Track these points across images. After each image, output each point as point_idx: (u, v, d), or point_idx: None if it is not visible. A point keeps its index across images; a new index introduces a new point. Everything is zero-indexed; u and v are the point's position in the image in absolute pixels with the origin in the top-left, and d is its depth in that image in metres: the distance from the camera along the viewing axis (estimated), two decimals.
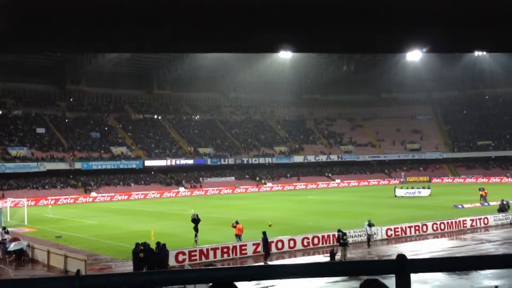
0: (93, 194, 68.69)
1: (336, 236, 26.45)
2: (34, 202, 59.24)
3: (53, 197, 63.92)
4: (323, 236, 28.42)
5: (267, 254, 25.01)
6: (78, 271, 2.07)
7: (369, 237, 29.00)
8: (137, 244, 23.10)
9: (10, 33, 2.85)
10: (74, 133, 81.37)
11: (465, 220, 33.67)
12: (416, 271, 2.11)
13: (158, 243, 23.60)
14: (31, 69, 77.94)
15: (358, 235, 29.42)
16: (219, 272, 2.15)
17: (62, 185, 71.18)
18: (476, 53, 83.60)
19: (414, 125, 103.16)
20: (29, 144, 74.58)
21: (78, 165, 73.61)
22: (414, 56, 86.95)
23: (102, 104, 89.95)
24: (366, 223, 29.33)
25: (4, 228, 31.52)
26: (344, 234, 25.87)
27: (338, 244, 26.01)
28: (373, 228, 29.48)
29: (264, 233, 25.21)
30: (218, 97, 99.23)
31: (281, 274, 2.16)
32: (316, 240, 28.12)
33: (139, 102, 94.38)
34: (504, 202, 39.59)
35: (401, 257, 2.07)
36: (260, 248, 25.83)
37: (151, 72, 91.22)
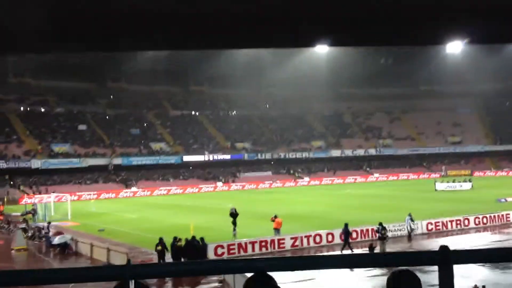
0: (134, 189, 69.97)
1: (375, 229, 26.27)
2: (77, 197, 60.78)
3: (95, 192, 65.43)
4: (361, 230, 28.20)
5: (346, 244, 25.39)
6: (129, 260, 2.16)
7: (411, 231, 28.64)
8: (174, 238, 23.71)
9: (55, 34, 2.93)
10: (114, 129, 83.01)
11: (509, 214, 32.81)
12: (459, 263, 2.10)
13: (193, 238, 24.07)
14: (72, 67, 79.82)
15: (398, 229, 29.05)
16: (260, 262, 2.19)
17: (103, 180, 72.75)
18: None
19: (455, 118, 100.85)
20: (71, 141, 76.48)
21: (118, 161, 75.12)
22: (454, 47, 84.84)
23: (142, 101, 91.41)
24: (408, 217, 28.95)
25: (49, 223, 32.56)
26: (384, 228, 25.65)
27: (377, 238, 25.83)
28: (414, 222, 29.10)
29: (346, 224, 25.81)
30: (254, 93, 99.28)
31: (321, 265, 2.18)
32: (354, 234, 27.90)
33: (177, 99, 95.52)
34: None
35: (444, 248, 2.07)
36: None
37: (188, 69, 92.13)
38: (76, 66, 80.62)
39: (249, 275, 2.54)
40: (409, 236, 28.53)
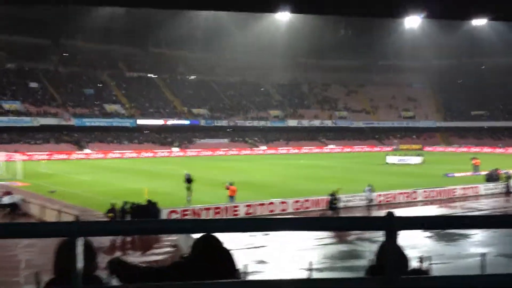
0: (87, 150, 68.73)
1: (328, 200, 26.80)
2: (27, 157, 59.23)
3: (46, 152, 63.92)
4: (314, 200, 28.67)
5: (334, 210, 26.06)
6: (78, 217, 2.12)
7: (369, 201, 29.31)
8: (124, 202, 23.53)
9: None
10: (67, 88, 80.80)
11: (455, 189, 33.98)
12: (403, 228, 2.16)
13: (149, 201, 23.99)
14: (24, 22, 76.70)
15: (350, 200, 29.68)
16: (209, 223, 2.19)
17: (55, 140, 71.08)
18: (474, 23, 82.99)
19: (410, 93, 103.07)
20: (22, 98, 74.09)
21: (71, 121, 73.44)
22: (413, 23, 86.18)
23: (96, 60, 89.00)
24: (367, 187, 29.55)
25: None
26: (335, 198, 26.24)
27: (328, 208, 26.40)
28: (372, 194, 29.68)
29: (332, 194, 26.56)
30: (213, 58, 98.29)
31: (272, 227, 2.20)
32: (307, 204, 28.40)
33: (133, 60, 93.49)
34: (494, 172, 39.85)
35: (390, 214, 2.12)
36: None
37: (146, 29, 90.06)
38: (28, 20, 77.47)
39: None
40: (369, 207, 29.17)
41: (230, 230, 2.18)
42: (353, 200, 29.74)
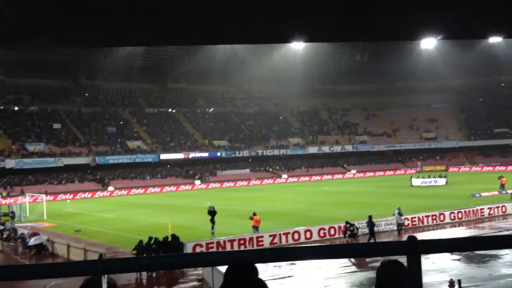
0: (110, 188, 69.29)
1: (344, 228, 26.68)
2: (52, 197, 59.93)
3: (71, 192, 64.61)
4: (339, 227, 28.36)
5: (372, 236, 26.10)
6: (101, 255, 2.15)
7: (399, 225, 29.05)
8: (149, 238, 23.60)
9: (22, 29, 2.90)
10: (90, 128, 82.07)
11: (483, 209, 33.37)
12: (426, 252, 2.15)
13: (173, 236, 24.02)
14: (46, 65, 78.63)
15: (377, 224, 29.25)
16: (238, 254, 2.20)
17: (79, 179, 71.89)
18: (491, 40, 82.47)
19: (430, 114, 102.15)
20: (46, 140, 75.37)
21: (96, 161, 74.32)
22: (428, 44, 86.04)
23: (117, 99, 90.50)
24: (396, 211, 29.37)
25: (2, 224, 32.02)
26: (352, 225, 26.13)
27: (347, 236, 26.23)
28: (401, 217, 29.38)
29: (370, 216, 26.70)
30: (231, 90, 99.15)
31: (295, 256, 2.21)
32: (332, 231, 28.12)
33: (153, 96, 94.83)
34: None
35: (412, 238, 2.12)
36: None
37: (164, 65, 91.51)
38: (50, 63, 79.42)
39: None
40: (399, 231, 28.92)
41: (255, 261, 2.19)
42: (379, 225, 29.35)
